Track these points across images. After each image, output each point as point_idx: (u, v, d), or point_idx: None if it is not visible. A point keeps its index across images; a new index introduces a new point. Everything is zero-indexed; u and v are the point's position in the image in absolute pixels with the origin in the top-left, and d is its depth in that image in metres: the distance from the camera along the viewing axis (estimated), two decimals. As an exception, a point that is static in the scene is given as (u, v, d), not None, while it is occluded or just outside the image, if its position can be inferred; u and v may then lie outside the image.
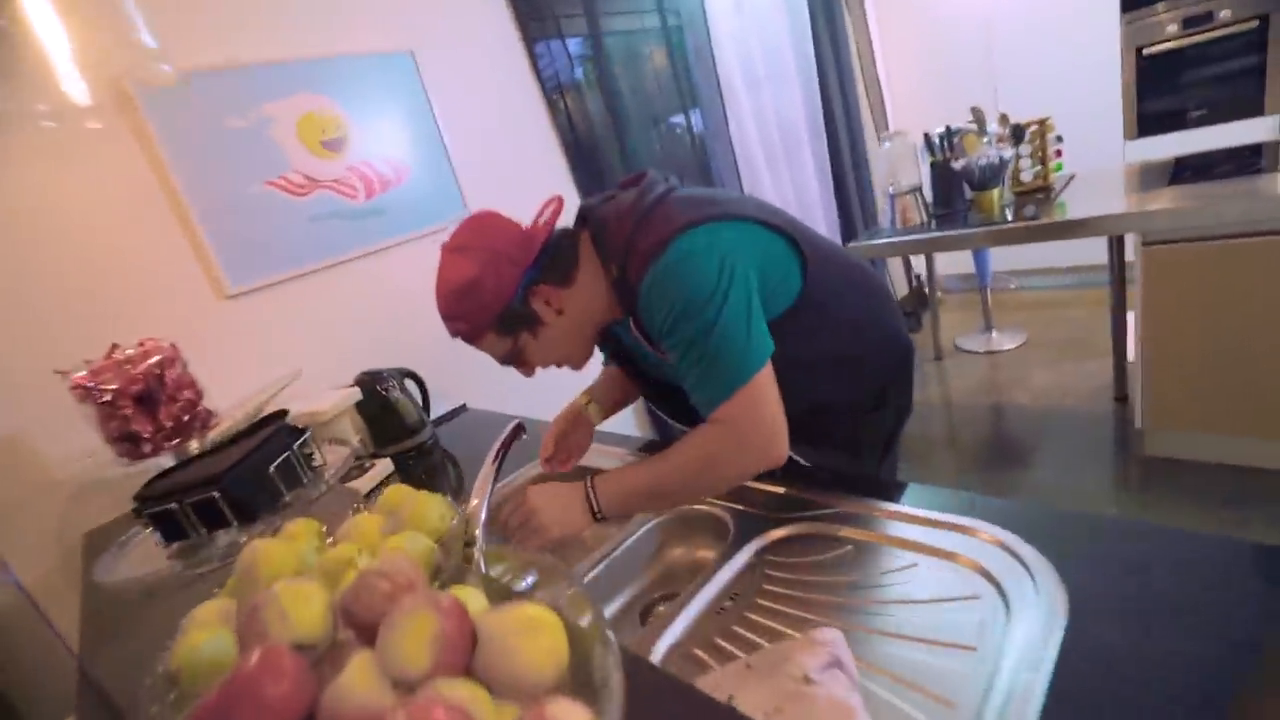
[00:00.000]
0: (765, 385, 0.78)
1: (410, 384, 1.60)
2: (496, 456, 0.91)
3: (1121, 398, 2.35)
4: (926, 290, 3.54)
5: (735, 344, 0.77)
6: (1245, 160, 1.97)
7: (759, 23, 2.65)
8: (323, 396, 1.38)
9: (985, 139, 2.24)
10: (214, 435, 0.92)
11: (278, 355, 1.49)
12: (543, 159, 2.05)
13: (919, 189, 2.35)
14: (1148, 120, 3.09)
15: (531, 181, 2.00)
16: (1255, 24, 2.73)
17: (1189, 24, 2.84)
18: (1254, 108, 2.88)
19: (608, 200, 0.92)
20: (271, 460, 0.76)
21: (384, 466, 1.43)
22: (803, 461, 1.00)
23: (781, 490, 0.90)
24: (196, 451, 0.90)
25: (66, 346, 1.04)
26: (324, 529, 0.77)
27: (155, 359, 0.86)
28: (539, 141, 2.04)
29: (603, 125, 2.15)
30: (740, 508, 0.89)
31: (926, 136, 2.35)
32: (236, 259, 1.40)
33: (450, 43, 1.79)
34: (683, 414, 1.19)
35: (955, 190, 2.35)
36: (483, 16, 1.88)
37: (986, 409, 2.62)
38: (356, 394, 1.42)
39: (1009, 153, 2.12)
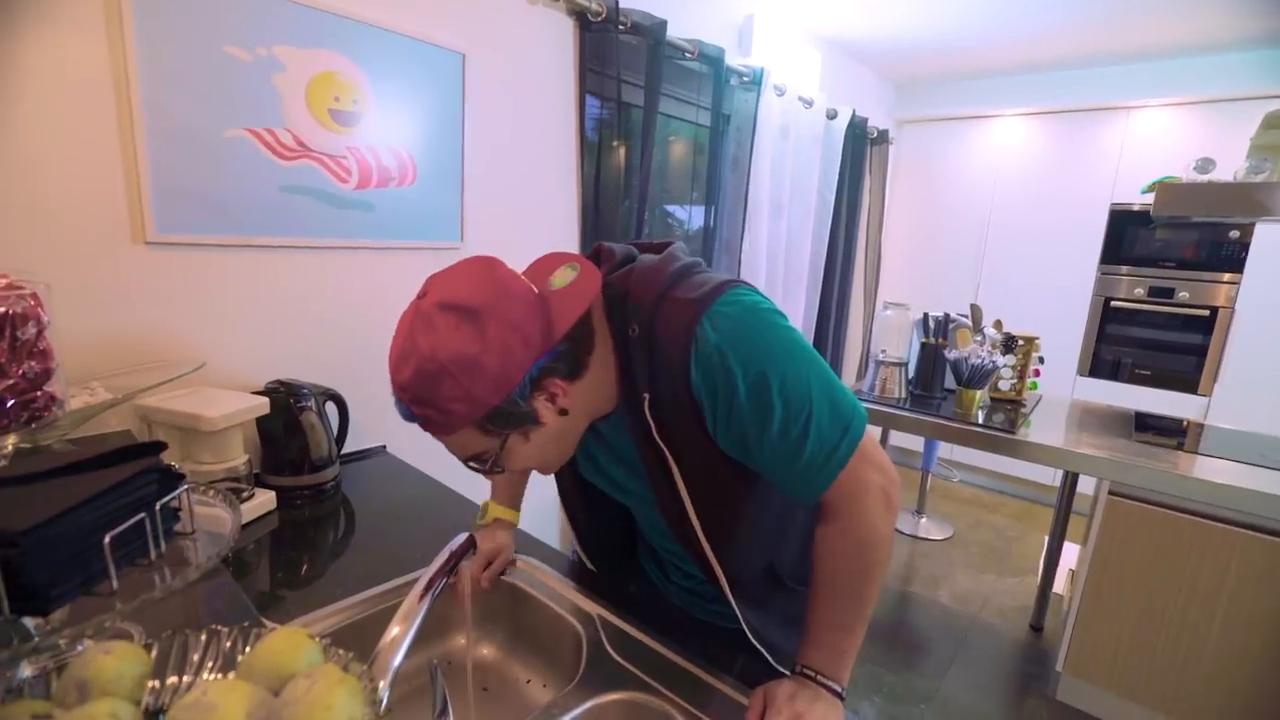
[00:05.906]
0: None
1: (331, 408, 1.33)
2: (433, 581, 0.68)
3: (1038, 627, 2.31)
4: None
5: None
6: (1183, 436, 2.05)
7: (797, 152, 2.66)
8: (217, 399, 1.10)
9: (978, 338, 2.27)
10: (48, 433, 0.64)
11: (184, 334, 1.19)
12: (556, 211, 1.89)
13: (905, 364, 2.34)
14: (1100, 364, 3.31)
15: (538, 231, 1.84)
16: (1206, 312, 3.01)
17: (1153, 292, 3.11)
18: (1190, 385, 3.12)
19: (623, 259, 0.76)
20: (114, 521, 0.50)
21: (264, 500, 1.14)
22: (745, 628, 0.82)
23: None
24: (8, 452, 0.62)
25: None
26: (151, 659, 0.51)
27: None
28: (559, 192, 1.88)
29: (625, 198, 2.03)
30: None
31: (926, 316, 2.36)
32: (174, 202, 1.13)
33: (505, 59, 1.64)
34: (614, 546, 0.99)
35: (938, 376, 2.35)
36: (547, 47, 1.76)
37: (907, 597, 2.53)
38: (264, 405, 1.15)
39: (1001, 360, 2.13)
